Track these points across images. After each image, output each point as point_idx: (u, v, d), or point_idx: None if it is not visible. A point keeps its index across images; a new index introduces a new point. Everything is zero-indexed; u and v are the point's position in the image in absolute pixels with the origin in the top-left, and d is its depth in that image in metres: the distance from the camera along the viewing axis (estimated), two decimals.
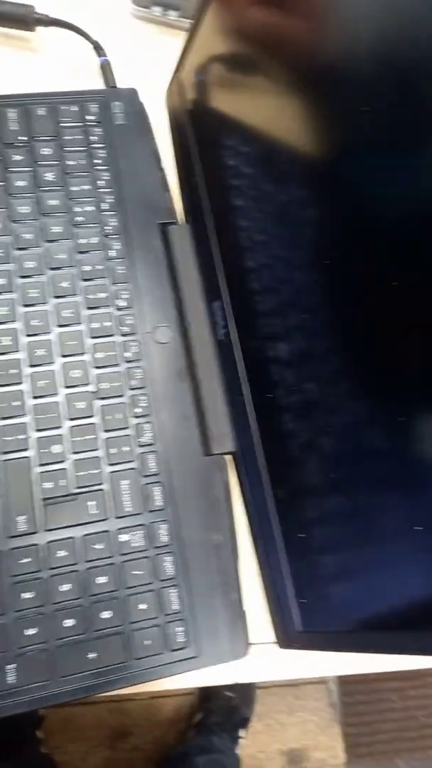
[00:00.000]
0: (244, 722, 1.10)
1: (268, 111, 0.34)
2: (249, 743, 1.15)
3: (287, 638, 0.32)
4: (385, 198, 0.26)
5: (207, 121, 0.41)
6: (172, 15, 0.50)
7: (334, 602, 0.30)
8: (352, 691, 1.25)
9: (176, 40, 0.51)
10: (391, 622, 0.28)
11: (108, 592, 0.33)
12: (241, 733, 1.08)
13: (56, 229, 0.40)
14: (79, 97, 0.44)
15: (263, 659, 0.35)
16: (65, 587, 0.33)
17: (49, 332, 0.38)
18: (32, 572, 0.33)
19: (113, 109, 0.44)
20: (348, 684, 1.24)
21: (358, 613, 0.29)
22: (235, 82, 0.39)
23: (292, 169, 0.33)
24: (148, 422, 0.37)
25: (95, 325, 0.39)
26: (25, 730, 0.91)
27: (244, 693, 1.14)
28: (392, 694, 1.25)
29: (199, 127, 0.42)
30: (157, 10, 0.50)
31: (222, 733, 1.01)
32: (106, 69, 0.45)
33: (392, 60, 0.24)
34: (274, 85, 0.34)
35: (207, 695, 1.10)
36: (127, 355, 0.38)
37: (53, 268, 0.39)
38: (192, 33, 0.41)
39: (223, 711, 1.06)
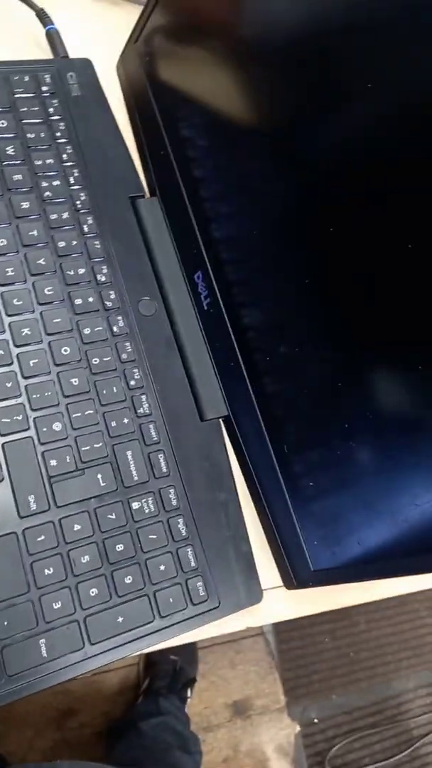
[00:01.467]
0: (190, 682, 1.13)
1: (220, 80, 0.37)
2: (196, 701, 1.20)
3: (301, 579, 0.35)
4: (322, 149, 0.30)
5: (169, 91, 0.42)
6: None
7: (343, 540, 0.34)
8: (287, 638, 1.33)
9: (121, 12, 0.50)
10: (394, 549, 0.31)
11: (127, 558, 0.35)
12: (188, 692, 1.12)
13: (24, 205, 0.39)
14: (31, 67, 0.43)
15: (276, 601, 0.38)
16: (85, 558, 0.34)
17: (32, 311, 0.38)
18: (50, 548, 0.33)
19: (68, 80, 0.43)
20: (284, 632, 1.32)
21: (365, 546, 0.33)
22: (191, 53, 0.40)
23: (245, 135, 0.36)
24: (143, 393, 0.38)
25: (78, 301, 0.39)
26: None
27: (187, 654, 1.18)
28: (324, 636, 1.35)
29: (161, 98, 0.42)
30: None
31: (169, 695, 1.04)
32: (54, 38, 0.44)
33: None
34: (222, 56, 0.37)
35: (151, 662, 1.13)
36: (114, 329, 0.39)
37: (27, 245, 0.39)
38: (150, 3, 0.41)
39: (168, 674, 1.09)
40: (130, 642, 0.33)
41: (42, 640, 0.32)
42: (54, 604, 0.32)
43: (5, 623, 0.31)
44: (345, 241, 0.30)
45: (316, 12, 0.30)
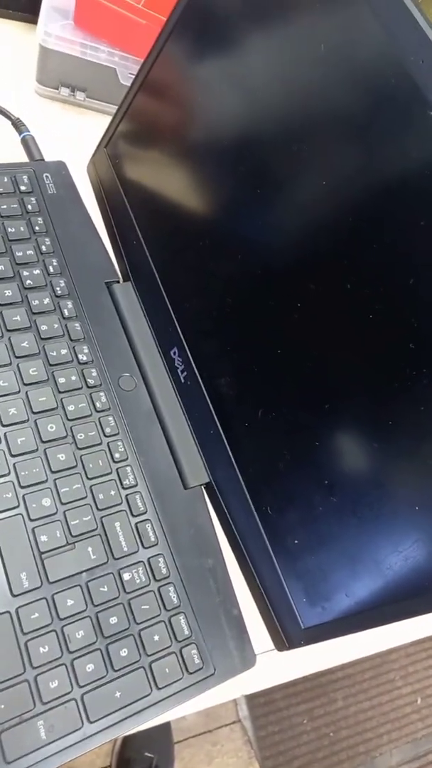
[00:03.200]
0: None
1: (180, 179, 0.42)
2: None
3: (293, 639, 0.36)
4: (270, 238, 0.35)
5: (137, 188, 0.46)
6: (80, 96, 0.54)
7: (330, 595, 0.35)
8: (264, 723, 1.28)
9: (84, 118, 0.56)
10: (382, 598, 0.33)
11: (121, 630, 0.35)
12: None
13: (8, 293, 0.42)
14: (9, 170, 0.46)
15: (268, 665, 0.38)
16: (80, 633, 0.34)
17: (18, 391, 0.39)
18: (44, 626, 0.33)
19: (44, 180, 0.47)
20: (261, 717, 1.27)
21: (353, 598, 0.34)
22: (154, 156, 0.45)
23: (204, 226, 0.40)
24: (128, 465, 0.40)
25: (62, 380, 0.40)
26: None
27: (163, 750, 1.12)
28: (302, 718, 1.30)
29: (131, 195, 0.46)
30: (65, 91, 0.54)
31: None
32: (30, 143, 0.48)
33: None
34: (180, 159, 0.42)
35: (124, 761, 1.06)
36: (97, 405, 0.41)
37: (11, 330, 0.41)
38: (119, 114, 0.46)
39: None
40: (129, 717, 0.33)
41: (40, 722, 0.31)
42: (51, 683, 0.32)
43: (2, 706, 0.31)
44: (298, 317, 0.34)
45: (254, 122, 0.35)
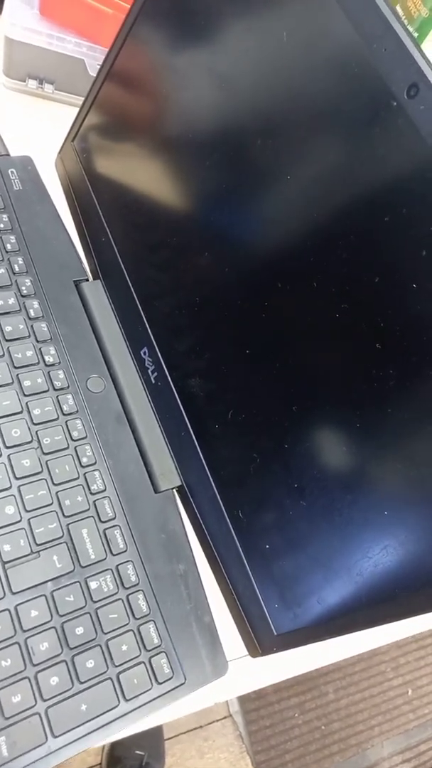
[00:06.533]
0: None
1: (149, 172, 0.41)
2: None
3: (265, 645, 0.35)
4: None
5: (106, 183, 0.45)
6: (48, 88, 0.53)
7: (303, 601, 0.34)
8: (256, 718, 1.28)
9: (53, 112, 0.54)
10: (353, 604, 0.32)
11: (87, 641, 0.34)
12: None
13: None
14: None
15: (241, 673, 0.37)
16: (44, 645, 0.33)
17: None
18: (7, 638, 0.32)
19: (9, 175, 0.45)
20: (252, 711, 1.27)
21: (325, 604, 0.33)
22: (123, 149, 0.43)
23: (174, 220, 0.39)
24: (96, 470, 0.39)
25: (27, 383, 0.39)
26: None
27: (154, 748, 1.12)
28: (293, 711, 1.30)
29: (100, 190, 0.45)
30: (32, 84, 0.52)
31: None
32: None
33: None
34: (148, 152, 0.40)
35: (114, 759, 1.06)
36: (64, 408, 0.40)
37: None
38: (85, 106, 0.44)
39: None
40: (95, 730, 0.32)
41: (2, 738, 0.30)
42: (13, 698, 0.31)
43: None
44: (266, 316, 0.33)
45: (218, 112, 0.34)
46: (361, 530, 0.31)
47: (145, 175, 0.42)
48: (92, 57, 0.51)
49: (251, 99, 0.33)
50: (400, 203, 0.26)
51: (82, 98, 0.45)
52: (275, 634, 0.35)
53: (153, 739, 1.14)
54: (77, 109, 0.47)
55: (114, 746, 1.08)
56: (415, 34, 0.59)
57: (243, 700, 1.27)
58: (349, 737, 1.33)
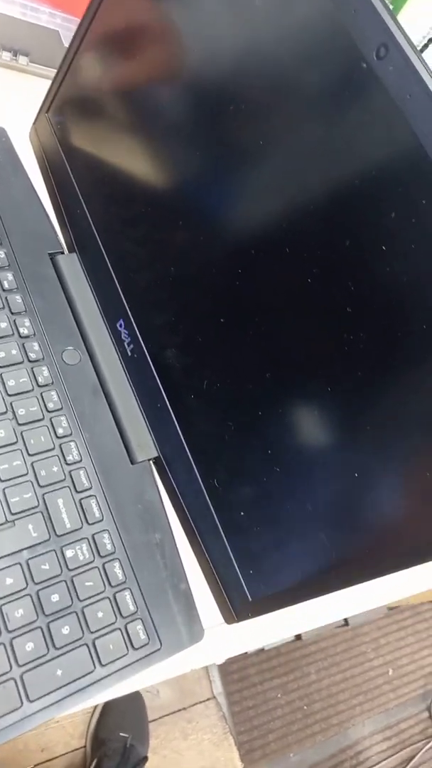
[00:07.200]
0: (141, 762, 1.07)
1: (125, 144, 0.41)
2: None
3: (240, 611, 0.36)
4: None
5: (81, 155, 0.44)
6: (23, 60, 0.52)
7: (276, 566, 0.34)
8: (239, 699, 1.29)
9: (28, 84, 0.53)
10: (324, 568, 0.33)
11: (63, 608, 0.34)
12: None
13: None
14: None
15: (217, 639, 0.37)
16: (19, 612, 0.33)
17: None
18: None
19: None
20: (235, 693, 1.28)
21: (297, 568, 0.34)
22: (98, 121, 0.43)
23: (150, 192, 0.39)
24: (71, 441, 0.39)
25: (1, 354, 0.39)
26: None
27: (138, 730, 1.12)
28: (276, 692, 1.32)
29: (75, 162, 0.45)
30: (6, 55, 0.52)
31: None
32: None
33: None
34: (124, 123, 0.40)
35: (99, 741, 1.06)
36: (39, 379, 0.39)
37: None
38: (59, 77, 0.44)
39: (118, 752, 1.03)
40: (71, 695, 0.32)
41: None
42: None
43: None
44: (240, 284, 0.33)
45: (192, 80, 0.34)
46: (331, 495, 0.31)
47: (119, 146, 0.41)
48: (67, 28, 0.50)
49: (224, 64, 0.32)
50: (370, 166, 0.26)
51: None
52: (250, 600, 0.35)
53: (137, 721, 1.14)
54: None
55: (98, 728, 1.09)
56: (391, 6, 0.59)
57: (226, 681, 1.29)
58: (331, 717, 1.35)
